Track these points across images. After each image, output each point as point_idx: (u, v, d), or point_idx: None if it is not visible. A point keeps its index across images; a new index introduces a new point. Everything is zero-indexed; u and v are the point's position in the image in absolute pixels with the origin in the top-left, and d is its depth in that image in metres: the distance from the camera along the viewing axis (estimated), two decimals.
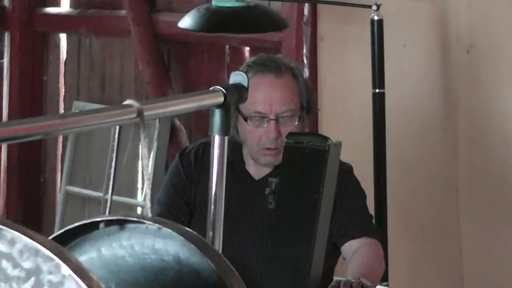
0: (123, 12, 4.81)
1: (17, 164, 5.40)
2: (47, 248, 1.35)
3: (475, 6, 3.60)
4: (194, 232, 1.79)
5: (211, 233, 1.92)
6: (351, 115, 3.75)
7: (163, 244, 1.78)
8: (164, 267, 1.78)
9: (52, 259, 1.38)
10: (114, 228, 1.81)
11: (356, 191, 3.02)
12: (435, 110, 3.73)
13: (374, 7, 3.45)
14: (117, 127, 1.99)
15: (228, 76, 2.14)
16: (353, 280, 2.72)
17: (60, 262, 1.37)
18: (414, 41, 3.73)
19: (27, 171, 5.44)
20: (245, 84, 1.92)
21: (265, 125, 2.83)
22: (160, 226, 1.81)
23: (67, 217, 4.83)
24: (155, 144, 4.29)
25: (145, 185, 1.83)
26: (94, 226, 1.81)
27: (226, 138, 1.95)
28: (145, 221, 1.81)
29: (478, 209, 3.64)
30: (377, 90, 3.48)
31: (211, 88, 1.90)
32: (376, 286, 2.90)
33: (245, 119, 2.81)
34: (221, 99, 1.89)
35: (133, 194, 4.46)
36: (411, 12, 3.70)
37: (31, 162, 5.48)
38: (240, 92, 1.93)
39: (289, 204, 2.60)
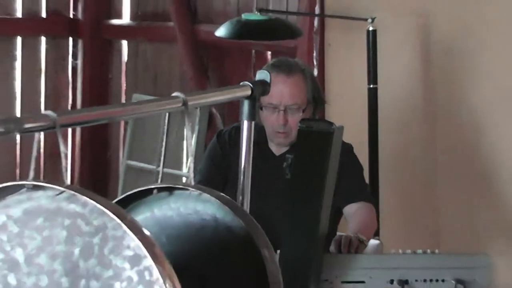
0: (171, 23, 4.79)
1: (89, 143, 5.39)
2: (110, 210, 1.34)
3: (452, 18, 3.57)
4: (227, 197, 1.78)
5: (240, 197, 1.92)
6: (352, 106, 3.73)
7: (203, 207, 1.76)
8: (203, 224, 1.76)
9: (113, 219, 1.36)
10: (164, 193, 1.80)
11: (355, 165, 3.02)
12: (418, 102, 3.71)
13: (370, 20, 3.44)
14: (167, 114, 1.97)
15: (254, 74, 2.13)
16: (352, 235, 2.74)
17: (119, 221, 1.35)
18: (401, 46, 3.70)
19: (96, 148, 5.43)
20: (268, 80, 1.91)
21: (276, 114, 2.86)
22: (200, 192, 1.79)
23: (127, 185, 4.81)
24: (196, 128, 4.27)
25: (189, 160, 1.80)
26: (148, 192, 1.81)
27: (253, 123, 1.95)
28: (189, 188, 1.80)
29: (452, 179, 3.62)
30: (371, 86, 3.48)
31: (241, 83, 1.89)
32: (370, 239, 2.90)
33: (261, 108, 2.84)
34: (249, 92, 1.87)
35: (179, 167, 4.44)
36: (399, 23, 3.68)
37: (99, 141, 5.47)
38: (264, 86, 1.92)
39: (302, 175, 2.58)
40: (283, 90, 2.84)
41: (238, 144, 1.95)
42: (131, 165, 4.86)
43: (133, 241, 1.35)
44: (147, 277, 1.37)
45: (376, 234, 3.13)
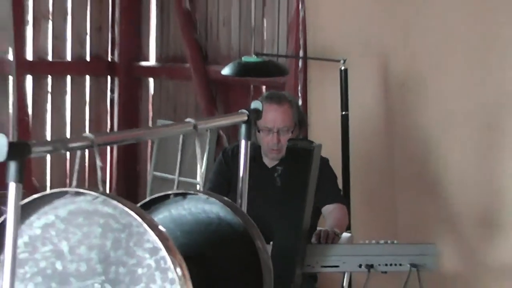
0: (188, 64, 4.75)
1: (123, 158, 5.29)
2: (134, 211, 1.30)
3: (406, 58, 3.53)
4: (229, 200, 1.73)
5: (239, 200, 1.85)
6: (329, 128, 3.65)
7: (209, 207, 1.70)
8: (210, 221, 1.70)
9: (136, 219, 1.32)
10: (179, 197, 1.74)
11: (331, 175, 2.97)
12: (380, 123, 3.67)
13: (342, 61, 3.37)
14: (181, 135, 1.94)
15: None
16: (329, 229, 2.69)
17: (140, 220, 1.31)
18: (367, 81, 3.64)
19: (128, 162, 5.32)
20: (260, 108, 1.87)
21: (271, 135, 2.83)
22: (208, 196, 1.74)
23: (154, 192, 4.68)
24: (207, 146, 4.20)
25: (200, 171, 1.76)
26: (167, 197, 1.75)
27: (249, 142, 1.90)
28: (199, 193, 1.74)
29: (408, 183, 3.56)
30: (344, 112, 3.40)
31: (239, 111, 1.85)
32: (343, 232, 2.84)
33: (259, 130, 2.82)
34: (245, 117, 1.83)
35: (194, 176, 4.35)
36: (365, 63, 3.62)
37: (131, 157, 5.36)
38: (257, 113, 1.87)
39: (289, 183, 2.54)
40: (276, 116, 2.81)
41: (238, 158, 1.91)
42: (157, 175, 4.76)
43: (151, 236, 1.31)
44: (162, 265, 1.33)
45: (348, 228, 3.05)
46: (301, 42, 3.86)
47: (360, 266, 2.59)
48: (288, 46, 4.12)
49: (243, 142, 1.86)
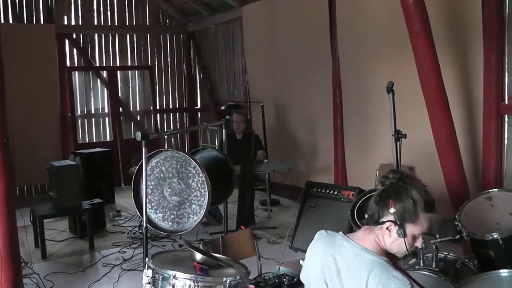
0: None
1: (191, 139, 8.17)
2: (185, 154, 3.68)
3: None
4: (221, 151, 4.00)
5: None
6: None
7: (215, 152, 3.95)
8: (218, 158, 3.92)
9: (186, 156, 3.60)
10: (207, 149, 3.95)
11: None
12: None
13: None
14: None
15: None
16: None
17: (188, 157, 3.68)
18: None
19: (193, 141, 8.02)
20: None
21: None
22: (218, 150, 3.99)
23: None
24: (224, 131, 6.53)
25: (217, 142, 4.02)
26: (203, 148, 3.92)
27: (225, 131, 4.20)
28: (210, 147, 3.98)
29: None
30: None
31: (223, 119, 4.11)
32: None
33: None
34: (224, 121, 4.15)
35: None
36: None
37: (195, 139, 8.09)
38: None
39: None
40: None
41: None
42: (205, 145, 6.86)
43: (193, 162, 3.58)
44: (198, 177, 3.56)
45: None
46: None
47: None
48: None
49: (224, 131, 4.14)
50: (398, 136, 3.37)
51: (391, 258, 1.78)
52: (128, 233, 5.42)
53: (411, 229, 1.74)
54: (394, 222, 1.71)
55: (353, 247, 1.76)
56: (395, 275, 1.63)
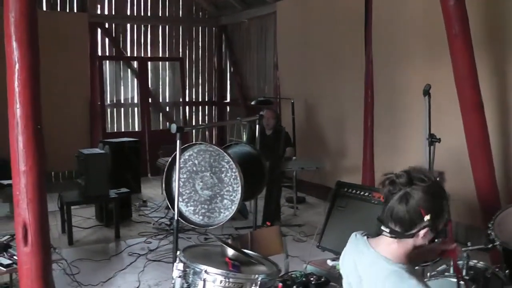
0: None
1: (219, 134, 8.04)
2: (219, 147, 3.62)
3: None
4: (254, 146, 4.04)
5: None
6: None
7: (249, 148, 3.99)
8: (250, 154, 3.96)
9: (219, 150, 3.66)
10: (240, 144, 4.00)
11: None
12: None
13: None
14: (235, 125, 4.20)
15: None
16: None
17: (222, 151, 3.69)
18: None
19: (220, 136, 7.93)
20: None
21: None
22: (251, 146, 4.03)
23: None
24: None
25: (244, 137, 4.06)
26: (236, 143, 3.99)
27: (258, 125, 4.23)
28: (242, 143, 4.08)
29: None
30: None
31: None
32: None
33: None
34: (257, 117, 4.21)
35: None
36: None
37: (222, 134, 8.00)
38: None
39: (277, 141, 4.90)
40: None
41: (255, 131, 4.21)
42: (232, 139, 7.06)
43: (226, 157, 3.61)
44: (231, 172, 3.60)
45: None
46: None
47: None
48: None
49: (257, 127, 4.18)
50: (432, 140, 3.34)
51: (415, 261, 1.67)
52: (154, 224, 5.48)
53: (441, 225, 1.64)
54: (430, 228, 1.61)
55: (370, 254, 1.71)
56: (409, 284, 1.56)
